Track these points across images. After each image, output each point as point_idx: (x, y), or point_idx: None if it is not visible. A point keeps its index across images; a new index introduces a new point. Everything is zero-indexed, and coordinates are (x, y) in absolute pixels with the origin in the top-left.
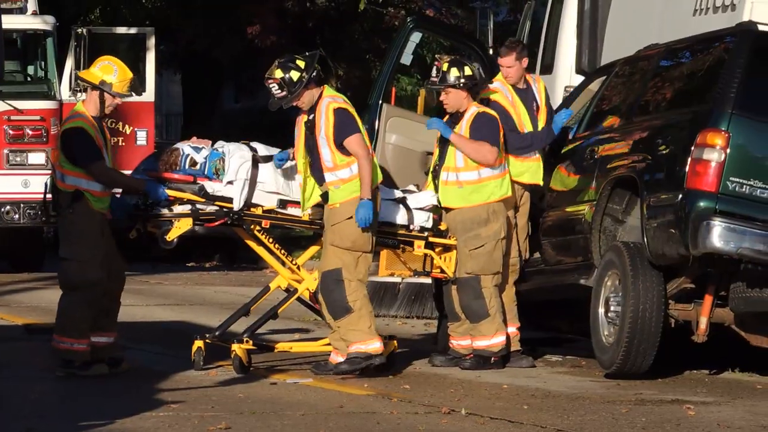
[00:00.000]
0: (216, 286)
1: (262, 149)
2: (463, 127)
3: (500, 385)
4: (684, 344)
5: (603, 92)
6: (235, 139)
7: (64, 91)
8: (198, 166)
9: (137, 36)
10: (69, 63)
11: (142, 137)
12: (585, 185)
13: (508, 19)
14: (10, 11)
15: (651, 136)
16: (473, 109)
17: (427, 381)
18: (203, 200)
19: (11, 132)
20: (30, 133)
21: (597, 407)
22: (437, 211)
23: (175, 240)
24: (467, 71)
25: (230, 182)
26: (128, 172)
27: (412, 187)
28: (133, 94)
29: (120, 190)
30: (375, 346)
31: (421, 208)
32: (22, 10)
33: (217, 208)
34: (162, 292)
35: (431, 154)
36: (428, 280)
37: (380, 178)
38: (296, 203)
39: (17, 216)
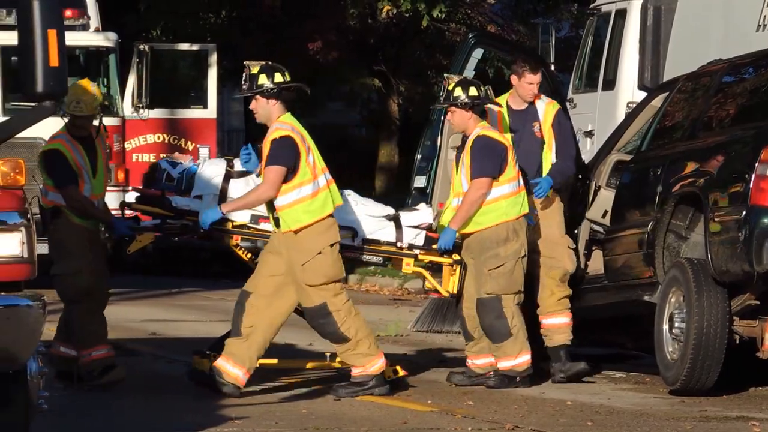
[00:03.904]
0: None
1: (239, 165)
2: (465, 151)
3: (564, 401)
4: (749, 360)
5: (666, 108)
6: None
7: (127, 108)
8: (175, 181)
9: (199, 52)
10: (131, 79)
11: (204, 153)
12: (648, 201)
13: (569, 35)
14: (73, 28)
15: (714, 152)
16: (476, 131)
17: (490, 397)
18: (172, 214)
19: None
20: None
21: (661, 424)
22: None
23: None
24: (472, 91)
25: (197, 196)
26: None
27: (422, 206)
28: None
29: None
30: (375, 366)
31: (415, 226)
32: (84, 27)
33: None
34: (224, 308)
35: None
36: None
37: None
38: (268, 219)
39: None
